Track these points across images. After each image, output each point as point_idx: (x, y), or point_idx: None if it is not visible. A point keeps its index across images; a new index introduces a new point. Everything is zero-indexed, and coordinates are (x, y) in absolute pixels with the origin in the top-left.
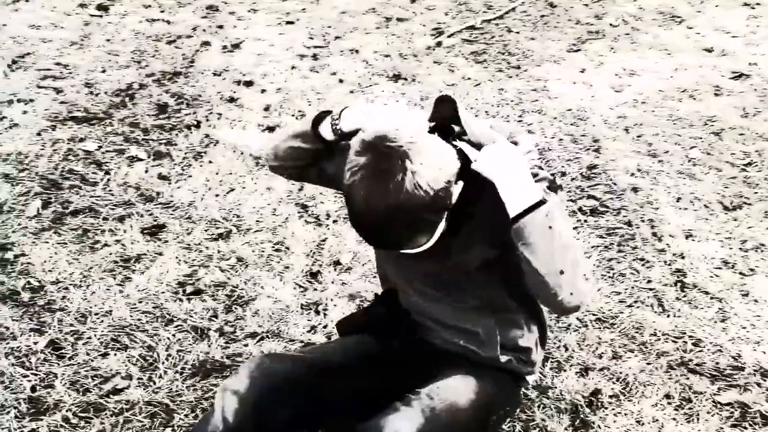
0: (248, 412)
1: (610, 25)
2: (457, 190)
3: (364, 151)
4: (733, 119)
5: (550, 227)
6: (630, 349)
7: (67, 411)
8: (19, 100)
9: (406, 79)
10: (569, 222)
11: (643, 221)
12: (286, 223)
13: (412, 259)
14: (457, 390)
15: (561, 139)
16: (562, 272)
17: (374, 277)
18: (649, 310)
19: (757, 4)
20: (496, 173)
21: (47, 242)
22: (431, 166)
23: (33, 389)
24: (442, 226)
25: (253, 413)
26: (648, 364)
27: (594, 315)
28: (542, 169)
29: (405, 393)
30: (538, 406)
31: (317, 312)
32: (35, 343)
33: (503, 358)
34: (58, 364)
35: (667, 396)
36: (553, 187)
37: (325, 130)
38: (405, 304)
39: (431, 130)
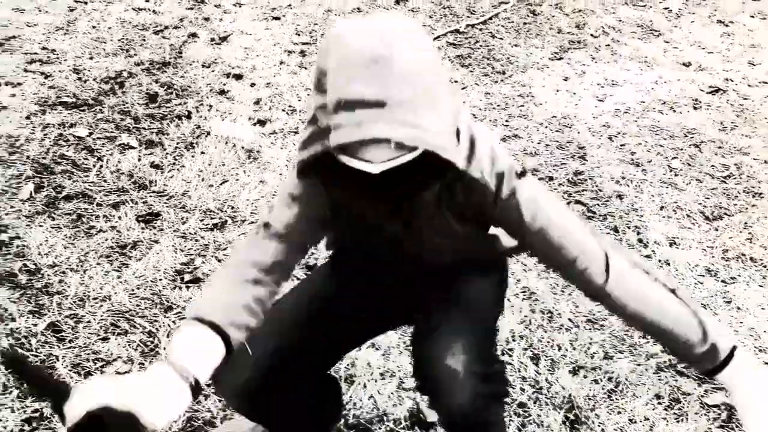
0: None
1: (591, 35)
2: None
3: None
4: (712, 132)
5: None
6: (620, 350)
7: None
8: (6, 83)
9: None
10: None
11: (629, 228)
12: None
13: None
14: (480, 289)
15: (547, 145)
16: None
17: None
18: None
19: (731, 22)
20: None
21: (41, 226)
22: None
23: None
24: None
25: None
26: (638, 365)
27: (585, 317)
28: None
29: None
30: (534, 402)
31: None
32: (35, 325)
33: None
34: (59, 347)
35: (657, 396)
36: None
37: None
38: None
39: None
